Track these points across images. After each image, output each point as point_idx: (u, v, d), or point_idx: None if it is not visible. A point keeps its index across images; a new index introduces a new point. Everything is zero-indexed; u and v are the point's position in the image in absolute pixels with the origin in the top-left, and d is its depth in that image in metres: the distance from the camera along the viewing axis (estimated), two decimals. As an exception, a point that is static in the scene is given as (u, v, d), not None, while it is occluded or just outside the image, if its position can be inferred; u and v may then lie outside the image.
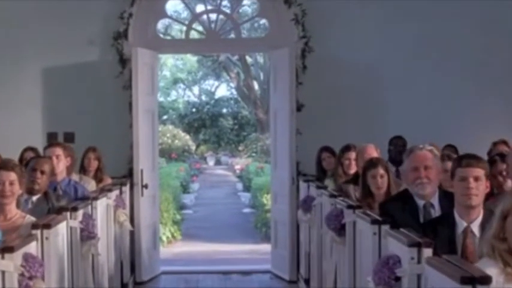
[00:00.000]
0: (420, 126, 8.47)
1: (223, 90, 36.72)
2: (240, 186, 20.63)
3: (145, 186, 8.18)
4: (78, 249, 5.26)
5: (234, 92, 33.99)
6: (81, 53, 8.64)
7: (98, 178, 7.54)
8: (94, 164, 7.55)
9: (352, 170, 6.91)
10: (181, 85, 37.53)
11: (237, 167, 24.86)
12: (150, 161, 8.45)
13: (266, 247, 11.45)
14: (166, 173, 17.22)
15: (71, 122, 8.68)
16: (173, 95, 37.44)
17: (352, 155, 6.92)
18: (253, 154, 26.42)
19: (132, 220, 8.09)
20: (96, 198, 6.04)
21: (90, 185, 6.99)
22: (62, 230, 4.86)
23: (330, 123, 8.61)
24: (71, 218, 5.16)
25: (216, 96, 35.64)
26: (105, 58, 8.63)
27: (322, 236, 6.63)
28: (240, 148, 28.96)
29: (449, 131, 8.26)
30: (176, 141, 26.64)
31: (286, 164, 8.26)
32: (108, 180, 7.68)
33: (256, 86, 29.39)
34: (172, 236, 12.31)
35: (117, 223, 7.04)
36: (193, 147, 28.51)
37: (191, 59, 36.41)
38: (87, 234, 5.36)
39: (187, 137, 28.13)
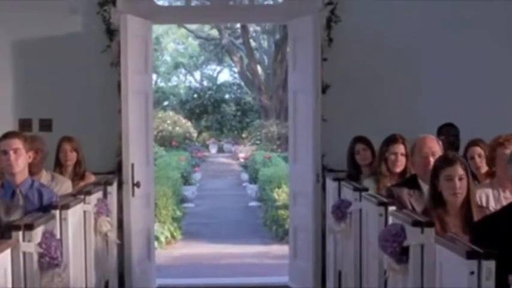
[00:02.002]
0: (472, 111, 6.90)
1: (226, 75, 35.42)
2: (244, 176, 19.01)
3: (137, 185, 6.58)
4: (35, 282, 3.68)
5: (237, 77, 32.56)
6: (60, 23, 7.04)
7: (77, 175, 6.05)
8: (71, 157, 6.02)
9: (399, 167, 5.37)
10: (183, 70, 36.16)
11: (241, 155, 23.26)
12: (143, 154, 6.85)
13: (277, 249, 10.20)
14: (166, 163, 15.63)
15: (47, 106, 7.10)
16: (174, 80, 36.07)
17: (400, 148, 5.36)
18: (258, 142, 24.82)
19: (120, 226, 6.55)
20: (66, 207, 4.46)
21: (65, 186, 5.43)
22: (6, 262, 3.26)
23: (361, 108, 7.04)
24: (24, 240, 3.58)
25: (219, 82, 34.17)
26: (89, 29, 7.03)
27: (364, 253, 5.05)
28: (244, 135, 27.37)
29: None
30: (177, 128, 25.03)
31: (309, 157, 6.66)
32: (91, 178, 6.15)
33: (260, 70, 27.82)
34: (172, 235, 10.75)
35: (99, 234, 5.45)
36: (195, 135, 26.91)
37: (193, 43, 35.00)
38: (49, 261, 3.79)
39: (189, 123, 26.52)
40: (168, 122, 24.97)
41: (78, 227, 4.92)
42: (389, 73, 7.06)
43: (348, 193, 5.56)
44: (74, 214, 4.71)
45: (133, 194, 6.58)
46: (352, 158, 6.22)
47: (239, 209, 14.59)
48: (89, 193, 5.24)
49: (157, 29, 36.18)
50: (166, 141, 23.66)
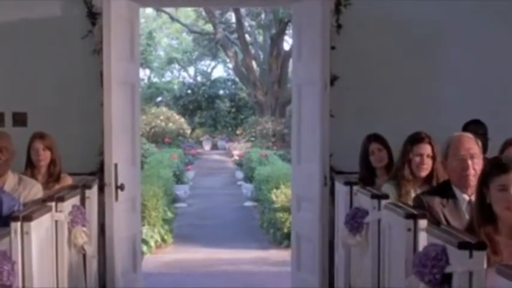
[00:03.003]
0: (498, 106, 6.12)
1: (220, 71, 34.71)
2: (239, 174, 18.16)
3: (121, 187, 5.76)
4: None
5: (231, 72, 31.82)
6: (36, 6, 6.20)
7: (52, 176, 5.27)
8: (44, 157, 5.24)
9: (425, 171, 4.57)
10: (176, 65, 35.35)
11: (236, 152, 22.42)
12: (129, 152, 6.03)
13: (276, 254, 9.40)
14: (157, 161, 14.78)
15: (22, 98, 6.29)
16: (167, 75, 35.35)
17: (426, 148, 4.57)
18: (252, 138, 24.02)
19: (102, 233, 5.74)
20: (29, 218, 3.63)
21: (34, 191, 4.64)
22: None
23: (372, 102, 6.25)
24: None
25: (213, 77, 33.37)
26: (69, 12, 6.21)
27: (384, 271, 4.24)
28: (238, 132, 26.54)
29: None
30: (170, 124, 24.23)
31: (316, 157, 5.85)
32: (68, 180, 5.38)
33: (255, 66, 27.01)
34: (162, 239, 9.91)
35: (74, 248, 4.63)
36: (188, 131, 26.11)
37: (187, 38, 34.22)
38: (0, 290, 2.97)
39: (182, 119, 25.73)
40: (161, 118, 24.19)
41: (47, 240, 4.10)
42: (405, 63, 6.26)
43: (363, 200, 4.74)
44: (40, 226, 3.90)
45: (116, 198, 5.76)
46: (365, 159, 5.43)
47: (234, 209, 13.76)
48: (61, 199, 4.41)
49: (151, 23, 35.45)
50: (158, 137, 22.86)
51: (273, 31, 26.01)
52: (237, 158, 20.60)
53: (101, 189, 5.78)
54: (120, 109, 5.82)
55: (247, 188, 14.71)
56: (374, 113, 6.18)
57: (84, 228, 4.68)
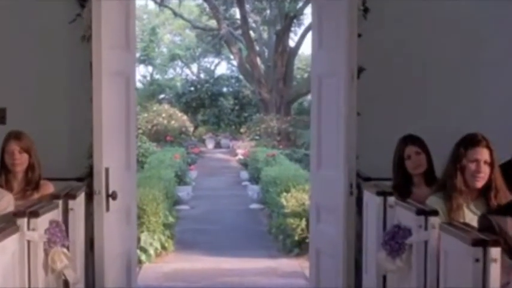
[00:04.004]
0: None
1: (224, 68, 33.89)
2: (244, 174, 17.24)
3: (113, 196, 4.88)
4: None
5: (235, 70, 30.96)
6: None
7: (29, 183, 4.46)
8: (21, 160, 4.41)
9: (481, 181, 3.71)
10: (179, 62, 34.48)
11: (240, 151, 21.51)
12: (122, 155, 5.16)
13: (287, 264, 8.61)
14: (159, 161, 13.88)
15: (0, 92, 5.38)
16: (170, 72, 34.50)
17: (483, 153, 3.72)
18: (257, 137, 23.12)
19: (91, 249, 4.86)
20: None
21: (2, 203, 3.72)
22: None
23: (403, 98, 5.38)
24: None
25: (216, 74, 32.45)
26: (55, -7, 5.34)
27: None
28: (242, 130, 25.62)
29: None
30: (172, 122, 23.31)
31: (340, 161, 4.96)
32: (48, 188, 4.55)
33: (259, 62, 26.13)
34: (163, 246, 9.03)
35: (52, 273, 3.75)
36: (191, 129, 25.17)
37: (190, 34, 33.40)
38: None
39: (185, 117, 24.80)
40: (163, 115, 23.30)
41: (13, 267, 3.22)
42: (441, 54, 5.38)
43: (404, 216, 3.87)
44: (4, 250, 3.02)
45: (107, 208, 4.88)
46: (400, 165, 4.56)
47: (239, 212, 12.87)
48: (35, 214, 3.53)
49: (154, 19, 34.60)
50: (160, 135, 21.99)
51: (278, 27, 25.15)
52: (241, 157, 19.68)
53: (90, 198, 4.90)
54: (112, 104, 4.95)
55: (253, 189, 13.82)
56: (406, 110, 5.32)
57: (65, 249, 3.80)
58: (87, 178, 5.01)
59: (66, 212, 4.28)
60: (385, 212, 4.32)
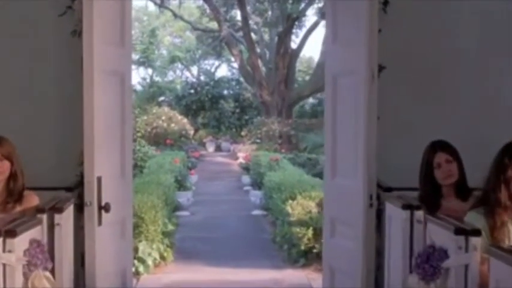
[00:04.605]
0: None
1: (224, 70, 33.38)
2: (246, 179, 16.67)
3: (106, 208, 4.35)
4: None
5: (236, 72, 30.44)
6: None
7: (11, 195, 3.95)
8: (2, 169, 3.94)
9: (532, 194, 3.14)
10: (179, 64, 33.96)
11: (241, 154, 20.96)
12: (117, 162, 4.64)
13: (292, 276, 8.11)
14: (159, 165, 13.33)
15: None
16: (170, 75, 34.02)
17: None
18: (258, 140, 22.57)
19: (82, 265, 4.34)
20: None
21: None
22: None
23: (429, 101, 4.83)
24: None
25: (217, 77, 31.91)
26: (43, -17, 4.82)
27: None
28: (243, 133, 25.07)
29: None
30: (172, 124, 22.76)
31: (358, 169, 4.44)
32: (33, 201, 4.04)
33: (260, 65, 25.59)
34: (161, 256, 8.50)
35: (31, 300, 3.23)
36: (191, 132, 24.63)
37: (190, 36, 32.89)
38: None
39: (185, 120, 24.24)
40: (163, 118, 22.75)
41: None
42: (470, 51, 4.86)
43: (438, 234, 3.35)
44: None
45: (100, 222, 4.36)
46: (429, 174, 4.04)
47: (241, 219, 12.32)
48: (11, 234, 3.01)
49: (154, 21, 34.10)
50: (160, 138, 21.46)
51: (280, 29, 24.63)
52: (243, 161, 19.13)
53: (80, 210, 4.39)
54: (105, 106, 4.43)
55: (255, 195, 13.26)
56: (430, 113, 4.81)
57: (47, 273, 3.27)
58: (77, 188, 4.50)
59: (51, 227, 3.76)
60: (412, 229, 3.80)
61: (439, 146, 4.03)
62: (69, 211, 4.11)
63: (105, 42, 4.42)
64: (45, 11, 4.76)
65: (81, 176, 4.43)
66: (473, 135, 4.45)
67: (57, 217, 3.77)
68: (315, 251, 8.41)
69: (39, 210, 3.73)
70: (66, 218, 3.92)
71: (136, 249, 8.06)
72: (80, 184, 4.46)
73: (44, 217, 3.69)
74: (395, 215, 4.02)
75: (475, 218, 3.24)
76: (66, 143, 4.70)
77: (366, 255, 4.41)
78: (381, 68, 4.60)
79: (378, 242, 4.44)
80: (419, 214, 3.77)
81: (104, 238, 4.43)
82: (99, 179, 4.33)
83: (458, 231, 3.09)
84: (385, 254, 4.29)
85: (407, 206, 3.83)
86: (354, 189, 4.47)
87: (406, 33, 4.79)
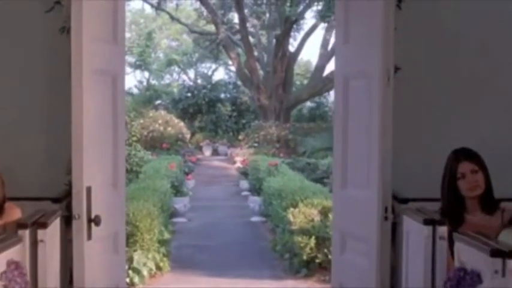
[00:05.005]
0: None
1: (221, 73, 33.05)
2: (244, 184, 16.25)
3: (96, 221, 3.95)
4: None
5: (233, 75, 30.09)
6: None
7: None
8: (-20, 179, 3.45)
9: None
10: (176, 68, 33.58)
11: (238, 158, 20.55)
12: (108, 171, 4.23)
13: (294, 286, 7.83)
14: (155, 170, 12.93)
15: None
16: (167, 78, 33.65)
17: None
18: (255, 144, 22.18)
19: (70, 282, 3.94)
20: None
21: None
22: None
23: (448, 104, 4.44)
24: None
25: (214, 80, 31.53)
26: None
27: None
28: (240, 137, 24.68)
29: None
30: (169, 128, 22.37)
31: (372, 179, 4.04)
32: (14, 214, 3.72)
33: (258, 68, 25.23)
34: (157, 266, 8.10)
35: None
36: (188, 136, 24.23)
37: (187, 39, 32.52)
38: None
39: (182, 124, 23.85)
40: (160, 121, 22.36)
41: None
42: (493, 50, 4.46)
43: (469, 254, 2.95)
44: None
45: (89, 236, 3.95)
46: (452, 185, 3.65)
47: (240, 225, 11.93)
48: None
49: (150, 24, 33.72)
50: (156, 142, 21.06)
51: (278, 31, 24.26)
52: (240, 165, 18.72)
53: (68, 223, 3.98)
54: (96, 109, 4.03)
55: (254, 201, 12.86)
56: (450, 118, 4.39)
57: (25, 299, 2.87)
58: (65, 199, 4.09)
59: (35, 243, 3.36)
60: (434, 246, 3.41)
61: (463, 154, 3.65)
62: (55, 225, 3.71)
63: (95, 40, 4.02)
64: (31, 6, 4.36)
65: (70, 185, 4.01)
66: (499, 142, 4.07)
67: (40, 233, 3.37)
68: (317, 261, 8.04)
69: (20, 225, 3.33)
70: (51, 234, 3.52)
71: (131, 259, 7.69)
72: (68, 194, 4.05)
73: (26, 233, 3.29)
74: (414, 230, 3.62)
75: (510, 236, 2.85)
76: (54, 149, 4.30)
77: (380, 274, 4.01)
78: (395, 69, 4.20)
79: (393, 259, 4.04)
80: (443, 230, 3.39)
81: (94, 253, 4.02)
82: (88, 190, 3.93)
83: (495, 253, 2.70)
84: (400, 272, 3.90)
85: (429, 221, 3.44)
86: (367, 201, 4.07)
87: (422, 31, 4.40)
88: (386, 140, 3.94)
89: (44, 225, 3.39)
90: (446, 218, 3.51)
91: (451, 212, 3.61)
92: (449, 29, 4.43)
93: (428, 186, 3.96)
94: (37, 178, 4.25)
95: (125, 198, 4.51)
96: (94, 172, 4.00)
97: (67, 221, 4.00)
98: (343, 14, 4.40)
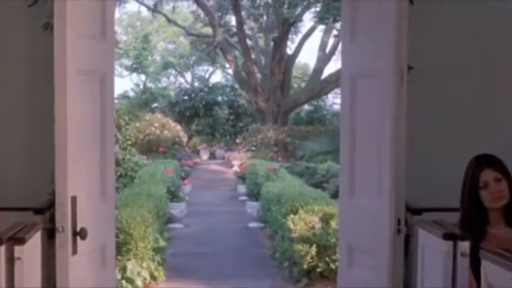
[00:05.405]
0: None
1: (218, 76, 32.75)
2: (241, 188, 15.86)
3: (81, 235, 3.59)
4: None
5: (230, 78, 29.74)
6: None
7: None
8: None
9: None
10: (173, 70, 33.24)
11: (236, 162, 20.17)
12: (96, 179, 3.88)
13: None
14: (150, 174, 12.54)
15: None
16: (164, 81, 33.30)
17: None
18: (253, 148, 21.79)
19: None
20: None
21: None
22: None
23: (465, 106, 4.10)
24: None
25: (211, 83, 31.16)
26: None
27: None
28: (238, 141, 24.31)
29: None
30: (165, 132, 21.98)
31: (383, 188, 3.69)
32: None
33: (256, 71, 24.87)
34: (152, 276, 7.74)
35: None
36: (185, 139, 23.84)
37: (184, 42, 32.19)
38: None
39: (178, 127, 23.45)
40: (156, 125, 21.96)
41: None
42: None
43: (497, 274, 2.59)
44: None
45: (74, 251, 3.59)
46: (473, 195, 3.30)
47: (237, 231, 11.55)
48: None
49: (147, 27, 33.37)
50: (153, 146, 20.68)
51: (276, 34, 23.92)
52: (238, 169, 18.34)
53: (51, 236, 3.63)
54: (82, 111, 3.67)
55: (252, 206, 12.49)
56: (468, 121, 4.05)
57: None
58: (49, 209, 3.74)
59: (11, 260, 3.00)
60: (455, 263, 3.06)
61: (485, 161, 3.29)
62: (35, 240, 3.34)
63: (81, 37, 3.67)
64: (13, 1, 4.01)
65: (54, 195, 3.66)
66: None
67: (17, 249, 3.01)
68: (318, 270, 7.67)
69: (-6, 241, 2.97)
70: (30, 249, 3.16)
71: (124, 269, 7.33)
72: (52, 205, 3.69)
73: (2, 249, 2.94)
74: (431, 245, 3.27)
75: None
76: (37, 155, 3.95)
77: (392, 290, 3.66)
78: (408, 68, 3.85)
79: (405, 276, 3.69)
80: (465, 246, 3.04)
81: (79, 268, 3.67)
82: (73, 200, 3.57)
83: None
84: (415, 289, 3.55)
85: (449, 236, 3.08)
86: (377, 212, 3.72)
87: (437, 28, 4.06)
88: (400, 144, 3.59)
89: (21, 241, 3.03)
90: (469, 232, 3.16)
91: (472, 224, 3.26)
92: (467, 24, 4.09)
93: (443, 196, 3.63)
94: (18, 187, 3.91)
95: (113, 207, 4.15)
96: (80, 180, 3.65)
97: (50, 234, 3.65)
98: (350, 10, 4.06)
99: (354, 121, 3.99)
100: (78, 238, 3.61)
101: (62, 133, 3.53)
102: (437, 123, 4.04)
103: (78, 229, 3.59)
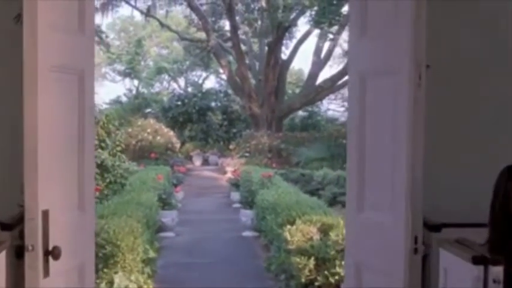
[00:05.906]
0: None
1: (212, 82, 32.29)
2: (235, 196, 15.39)
3: (54, 254, 3.12)
4: None
5: (224, 84, 29.34)
6: None
7: None
8: None
9: None
10: (166, 76, 32.77)
11: (229, 169, 19.72)
12: (72, 190, 3.41)
13: None
14: (141, 181, 12.06)
15: None
16: (157, 86, 32.85)
17: None
18: (246, 154, 21.34)
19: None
20: None
21: None
22: None
23: (493, 109, 3.64)
24: None
25: (204, 89, 30.72)
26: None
27: None
28: (231, 147, 23.85)
29: None
30: (158, 137, 21.52)
31: (398, 202, 3.23)
32: None
33: (250, 76, 24.46)
34: (140, 290, 7.26)
35: None
36: (178, 145, 23.36)
37: (177, 47, 31.76)
38: None
39: (171, 133, 22.98)
40: (149, 130, 21.51)
41: None
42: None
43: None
44: None
45: (46, 273, 3.12)
46: (505, 210, 2.83)
47: (231, 241, 11.06)
48: None
49: (140, 31, 32.93)
50: (145, 152, 20.21)
51: (270, 39, 23.50)
52: (231, 176, 17.87)
53: (21, 255, 3.15)
54: (56, 113, 3.21)
55: (246, 215, 12.01)
56: (494, 127, 3.60)
57: None
58: (18, 225, 3.26)
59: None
60: (486, 289, 2.61)
61: (519, 170, 2.84)
62: (0, 260, 2.88)
63: (56, 29, 3.21)
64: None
65: (21, 209, 3.19)
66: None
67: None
68: (317, 284, 7.20)
69: None
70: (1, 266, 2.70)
71: (111, 282, 6.87)
72: (22, 219, 3.22)
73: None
74: (457, 270, 2.82)
75: None
76: (5, 163, 3.47)
77: (407, 317, 3.20)
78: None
79: (423, 300, 3.24)
80: (498, 271, 2.59)
81: (53, 292, 3.20)
82: (45, 214, 3.10)
83: None
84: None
85: (479, 260, 2.63)
86: (390, 227, 3.27)
87: (456, 23, 3.61)
88: (417, 152, 3.13)
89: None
90: (501, 255, 2.71)
91: (505, 245, 2.80)
92: (491, 21, 3.65)
93: (463, 210, 3.19)
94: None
95: (93, 222, 3.68)
96: (53, 192, 3.18)
97: (19, 253, 3.18)
98: (359, 6, 3.60)
99: (363, 124, 3.53)
100: (50, 258, 3.14)
101: (31, 137, 3.07)
102: (460, 129, 3.58)
103: (50, 248, 3.12)
